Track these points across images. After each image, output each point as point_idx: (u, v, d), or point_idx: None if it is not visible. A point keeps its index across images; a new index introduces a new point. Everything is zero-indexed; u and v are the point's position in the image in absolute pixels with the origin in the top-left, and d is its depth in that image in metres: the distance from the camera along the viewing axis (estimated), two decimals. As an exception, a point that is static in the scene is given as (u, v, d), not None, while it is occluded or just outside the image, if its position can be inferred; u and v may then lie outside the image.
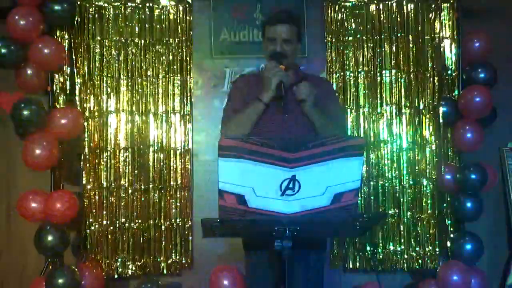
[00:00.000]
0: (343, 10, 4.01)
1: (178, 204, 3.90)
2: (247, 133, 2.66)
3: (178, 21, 3.96)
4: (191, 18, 3.97)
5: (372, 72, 3.99)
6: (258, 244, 2.59)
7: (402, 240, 3.94)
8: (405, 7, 4.00)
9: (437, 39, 3.99)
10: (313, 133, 2.68)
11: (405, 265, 3.94)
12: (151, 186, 3.89)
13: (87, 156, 3.85)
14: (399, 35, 3.99)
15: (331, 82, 3.87)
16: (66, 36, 3.82)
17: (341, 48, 4.00)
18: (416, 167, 3.97)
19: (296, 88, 2.71)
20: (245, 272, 2.84)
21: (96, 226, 3.84)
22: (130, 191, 3.87)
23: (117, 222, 3.86)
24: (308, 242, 2.50)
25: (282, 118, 2.68)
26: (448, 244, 3.86)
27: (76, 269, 3.58)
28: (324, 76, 3.92)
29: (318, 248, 2.73)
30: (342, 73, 3.98)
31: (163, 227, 3.88)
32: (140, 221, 3.87)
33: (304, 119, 2.70)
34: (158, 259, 3.88)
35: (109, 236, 3.85)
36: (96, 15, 3.90)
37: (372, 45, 3.99)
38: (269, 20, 2.81)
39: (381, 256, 3.93)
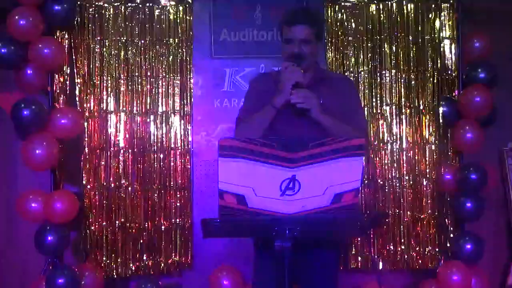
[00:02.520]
0: (343, 10, 4.00)
1: (178, 204, 3.90)
2: (259, 136, 2.56)
3: (178, 21, 3.96)
4: (191, 18, 3.96)
5: (372, 72, 3.99)
6: (269, 243, 2.56)
7: (402, 240, 3.94)
8: (405, 7, 4.00)
9: (437, 39, 3.99)
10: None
11: (405, 265, 3.95)
12: (151, 186, 3.89)
13: (87, 156, 3.85)
14: (399, 35, 3.99)
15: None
16: (66, 36, 3.82)
17: (341, 48, 4.00)
18: (416, 167, 3.97)
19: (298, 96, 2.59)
20: (253, 271, 2.76)
21: (96, 226, 3.84)
22: (130, 191, 3.87)
23: (117, 222, 3.86)
24: (316, 242, 2.49)
25: (298, 120, 2.60)
26: (448, 244, 3.86)
27: (76, 269, 3.57)
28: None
29: (327, 248, 2.64)
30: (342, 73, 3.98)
31: (163, 227, 3.88)
32: (140, 221, 3.86)
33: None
34: (158, 259, 3.88)
35: (109, 236, 3.85)
36: (96, 15, 3.90)
37: (372, 45, 3.99)
38: (286, 20, 2.70)
39: (381, 256, 3.93)
